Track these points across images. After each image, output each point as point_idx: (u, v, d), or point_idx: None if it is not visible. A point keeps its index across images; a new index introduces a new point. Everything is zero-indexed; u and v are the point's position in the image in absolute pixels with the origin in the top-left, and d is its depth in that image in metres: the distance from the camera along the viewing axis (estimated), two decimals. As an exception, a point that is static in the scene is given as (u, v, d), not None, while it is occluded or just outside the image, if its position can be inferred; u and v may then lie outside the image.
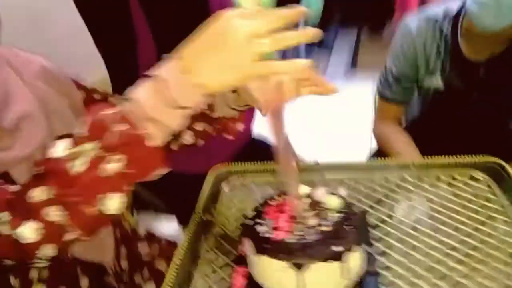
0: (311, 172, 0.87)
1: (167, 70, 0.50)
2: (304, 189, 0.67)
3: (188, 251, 0.71)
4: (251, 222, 0.64)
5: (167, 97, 0.49)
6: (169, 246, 0.94)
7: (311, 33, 0.49)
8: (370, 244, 0.68)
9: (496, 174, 0.82)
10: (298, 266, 0.57)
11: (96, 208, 0.48)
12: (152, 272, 0.86)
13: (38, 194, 0.47)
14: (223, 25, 0.48)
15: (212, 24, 0.49)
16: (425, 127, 1.13)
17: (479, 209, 0.75)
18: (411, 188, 0.83)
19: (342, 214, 0.62)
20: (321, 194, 0.66)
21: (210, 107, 0.76)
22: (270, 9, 0.49)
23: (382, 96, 1.14)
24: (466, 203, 0.77)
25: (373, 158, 1.20)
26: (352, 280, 0.60)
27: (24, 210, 0.48)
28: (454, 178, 0.84)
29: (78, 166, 0.46)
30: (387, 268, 0.65)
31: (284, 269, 0.57)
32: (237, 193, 0.89)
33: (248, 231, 0.63)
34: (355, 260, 0.60)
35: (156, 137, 0.50)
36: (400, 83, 1.10)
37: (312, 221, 0.61)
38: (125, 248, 0.84)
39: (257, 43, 0.47)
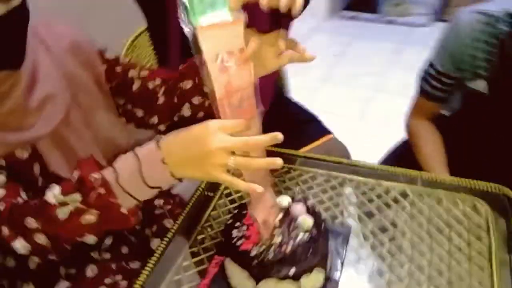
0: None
1: (148, 154, 0.60)
2: (285, 200, 0.72)
3: (184, 225, 0.80)
4: (231, 222, 0.71)
5: (141, 178, 0.60)
6: (181, 204, 1.04)
7: (274, 163, 0.57)
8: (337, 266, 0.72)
9: (502, 209, 0.79)
10: (256, 279, 0.64)
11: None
12: (159, 228, 0.98)
13: (32, 222, 0.60)
14: (204, 133, 0.57)
15: (196, 129, 0.58)
16: (459, 130, 1.07)
17: (463, 247, 0.75)
18: (407, 205, 0.83)
19: (309, 236, 0.66)
20: (298, 211, 0.70)
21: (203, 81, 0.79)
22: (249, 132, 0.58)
23: (422, 90, 1.08)
24: (454, 235, 0.76)
25: (391, 158, 1.18)
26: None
27: (21, 229, 0.61)
28: (455, 203, 0.83)
29: (63, 214, 0.59)
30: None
31: (245, 277, 0.65)
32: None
33: (226, 231, 0.70)
34: (310, 281, 0.65)
35: (126, 205, 0.61)
36: (441, 80, 1.03)
37: (278, 239, 0.66)
38: (156, 222, 0.96)
39: (225, 159, 0.56)
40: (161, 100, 0.85)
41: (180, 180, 0.61)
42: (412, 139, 1.11)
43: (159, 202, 1.01)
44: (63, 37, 0.80)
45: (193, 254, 0.78)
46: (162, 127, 0.89)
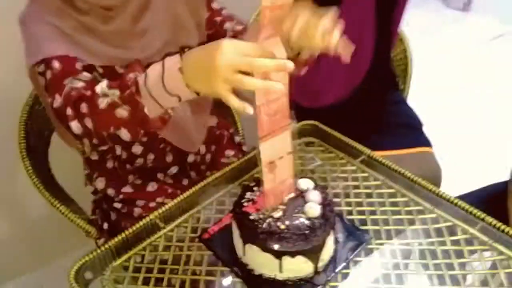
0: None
1: (171, 63, 0.64)
2: (304, 183, 0.72)
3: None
4: (251, 183, 0.75)
5: (162, 84, 0.64)
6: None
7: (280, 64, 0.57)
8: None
9: None
10: (243, 241, 0.68)
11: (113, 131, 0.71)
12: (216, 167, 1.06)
13: (84, 107, 0.70)
14: (216, 48, 0.59)
15: (212, 45, 0.60)
16: None
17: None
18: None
19: (309, 224, 0.67)
20: (311, 198, 0.70)
21: None
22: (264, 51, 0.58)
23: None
24: None
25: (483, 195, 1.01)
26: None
27: (77, 112, 0.71)
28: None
29: (103, 104, 0.68)
30: None
31: (237, 235, 0.69)
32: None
33: (243, 190, 0.75)
34: (292, 265, 0.66)
35: (152, 109, 0.67)
36: None
37: (278, 214, 0.68)
38: (207, 147, 1.06)
39: (231, 76, 0.58)
40: None
41: (197, 93, 0.64)
42: (510, 187, 0.95)
43: (228, 153, 1.10)
44: None
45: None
46: None
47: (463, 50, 2.58)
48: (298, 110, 1.19)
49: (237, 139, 1.15)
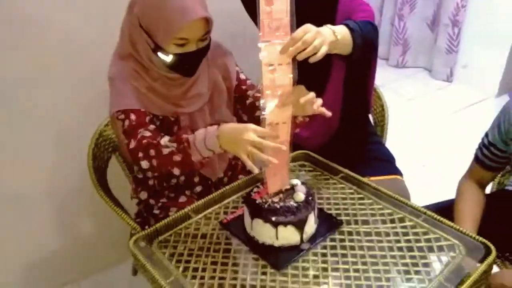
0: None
1: (211, 131, 1.02)
2: (295, 181, 1.04)
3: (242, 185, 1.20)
4: (258, 184, 1.07)
5: (204, 142, 1.02)
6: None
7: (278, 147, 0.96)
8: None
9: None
10: (251, 217, 0.99)
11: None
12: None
13: (152, 152, 1.07)
14: (243, 128, 0.96)
15: (242, 125, 0.98)
16: (505, 202, 1.16)
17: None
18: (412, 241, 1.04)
19: (296, 205, 0.97)
20: (298, 189, 1.01)
21: None
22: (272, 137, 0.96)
23: (475, 156, 1.22)
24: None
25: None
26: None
27: (147, 155, 1.07)
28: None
29: (165, 151, 1.05)
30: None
31: (248, 215, 1.00)
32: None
33: (252, 187, 1.06)
34: (285, 232, 0.96)
35: (196, 156, 1.04)
36: (490, 149, 1.16)
37: (276, 199, 0.99)
38: (231, 171, 1.39)
39: (249, 148, 0.95)
40: (258, 113, 1.27)
41: (225, 151, 1.01)
42: (456, 196, 1.24)
43: (241, 177, 1.42)
44: (219, 57, 1.29)
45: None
46: None
47: (444, 114, 2.97)
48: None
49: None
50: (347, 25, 1.12)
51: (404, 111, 2.96)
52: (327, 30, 1.04)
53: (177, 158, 1.05)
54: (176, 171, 1.08)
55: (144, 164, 1.07)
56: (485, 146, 1.18)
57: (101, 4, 1.41)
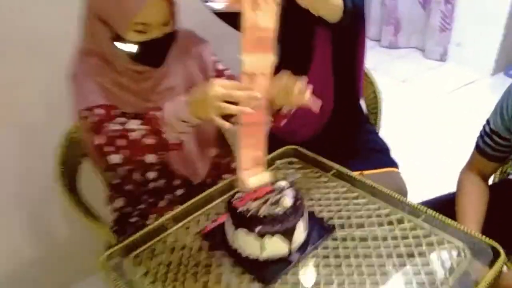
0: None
1: (181, 99, 0.90)
2: (282, 183, 0.94)
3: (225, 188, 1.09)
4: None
5: (175, 114, 0.91)
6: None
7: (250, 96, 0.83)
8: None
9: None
10: (235, 226, 0.88)
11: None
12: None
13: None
14: (209, 87, 0.84)
15: (206, 83, 0.85)
16: (509, 192, 1.07)
17: None
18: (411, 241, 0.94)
19: (283, 212, 0.87)
20: (285, 194, 0.91)
21: None
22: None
23: (476, 145, 1.12)
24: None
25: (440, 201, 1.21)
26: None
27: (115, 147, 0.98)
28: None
29: (136, 135, 0.95)
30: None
31: (230, 224, 0.90)
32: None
33: (233, 194, 0.96)
34: (272, 243, 0.86)
35: (171, 135, 0.93)
36: (493, 138, 1.06)
37: (260, 205, 0.89)
38: (215, 172, 1.28)
39: (217, 104, 0.83)
40: None
41: (201, 119, 0.90)
42: (457, 189, 1.15)
43: (226, 176, 1.31)
44: (194, 47, 1.17)
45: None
46: None
47: (438, 95, 2.86)
48: (280, 144, 1.41)
49: (234, 165, 1.37)
50: None
51: (397, 93, 2.86)
52: None
53: (149, 140, 0.95)
54: (151, 158, 0.97)
55: (114, 158, 0.97)
56: (487, 134, 1.08)
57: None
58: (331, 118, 1.39)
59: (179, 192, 1.24)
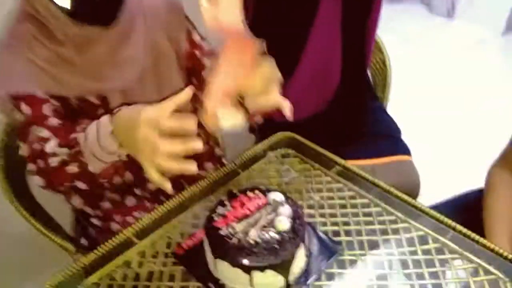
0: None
1: (103, 125, 0.69)
2: (277, 196, 0.73)
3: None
4: (224, 198, 0.75)
5: (99, 145, 0.70)
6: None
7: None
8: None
9: None
10: (214, 256, 0.68)
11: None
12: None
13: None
14: (135, 122, 0.62)
15: (134, 113, 0.64)
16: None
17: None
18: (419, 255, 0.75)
19: (279, 237, 0.67)
20: (282, 211, 0.70)
21: None
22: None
23: (513, 138, 0.92)
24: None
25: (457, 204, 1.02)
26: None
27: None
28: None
29: (54, 163, 0.73)
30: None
31: (209, 249, 0.70)
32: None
33: (215, 205, 0.75)
34: (263, 279, 0.66)
35: (94, 165, 0.73)
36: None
37: (241, 227, 0.68)
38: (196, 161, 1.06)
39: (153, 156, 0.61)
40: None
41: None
42: (486, 190, 0.96)
43: (207, 165, 1.10)
44: (160, 8, 0.91)
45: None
46: None
47: (446, 56, 2.61)
48: (273, 126, 1.19)
49: (217, 151, 1.16)
50: None
51: (399, 55, 2.59)
52: None
53: (73, 169, 0.74)
54: (81, 185, 0.77)
55: (37, 180, 0.77)
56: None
57: None
58: (336, 92, 1.16)
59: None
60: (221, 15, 0.60)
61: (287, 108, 0.71)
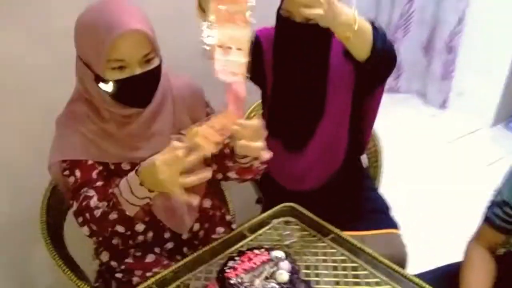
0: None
1: (132, 179, 0.90)
2: (278, 253, 0.88)
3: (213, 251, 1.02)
4: (234, 254, 0.90)
5: (133, 194, 0.90)
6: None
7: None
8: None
9: None
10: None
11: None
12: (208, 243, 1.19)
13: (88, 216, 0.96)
14: (152, 167, 0.85)
15: (150, 161, 0.86)
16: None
17: None
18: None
19: (277, 287, 0.81)
20: (282, 266, 0.85)
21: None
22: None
23: (485, 215, 1.07)
24: None
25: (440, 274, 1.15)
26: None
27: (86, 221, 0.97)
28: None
29: (98, 214, 0.93)
30: None
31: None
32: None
33: (226, 260, 0.90)
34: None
35: (130, 209, 0.92)
36: (503, 209, 1.01)
37: (248, 278, 0.82)
38: (201, 225, 1.21)
39: (174, 183, 0.83)
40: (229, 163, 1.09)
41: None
42: (463, 262, 1.09)
43: (219, 230, 1.25)
44: (185, 93, 1.12)
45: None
46: (219, 176, 1.14)
47: (436, 144, 2.83)
48: (281, 194, 1.35)
49: (228, 218, 1.31)
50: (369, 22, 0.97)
51: (395, 141, 2.82)
52: (348, 10, 0.90)
53: (113, 216, 0.93)
54: (120, 228, 0.96)
55: (85, 230, 0.97)
56: (498, 204, 1.03)
57: (60, 33, 1.24)
58: (338, 170, 1.33)
59: (169, 245, 1.17)
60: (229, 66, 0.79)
61: (267, 155, 0.90)
